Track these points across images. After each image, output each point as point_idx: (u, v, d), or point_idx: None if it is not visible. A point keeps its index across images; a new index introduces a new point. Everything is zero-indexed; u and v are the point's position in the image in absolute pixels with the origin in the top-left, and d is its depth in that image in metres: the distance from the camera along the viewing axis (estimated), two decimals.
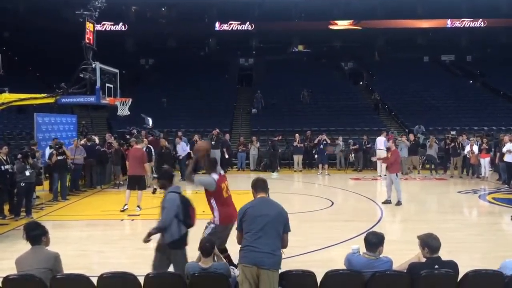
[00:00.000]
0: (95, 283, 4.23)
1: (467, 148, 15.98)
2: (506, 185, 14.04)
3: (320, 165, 17.90)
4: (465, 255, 6.74)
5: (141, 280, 4.26)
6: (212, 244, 4.55)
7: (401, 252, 5.77)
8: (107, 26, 35.47)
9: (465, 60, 37.67)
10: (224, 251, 5.66)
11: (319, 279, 4.25)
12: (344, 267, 4.40)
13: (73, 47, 15.20)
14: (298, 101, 28.42)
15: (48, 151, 12.59)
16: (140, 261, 6.79)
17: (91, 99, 11.60)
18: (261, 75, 34.05)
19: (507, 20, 35.71)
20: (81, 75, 11.32)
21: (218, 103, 28.34)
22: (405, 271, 4.31)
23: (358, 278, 4.19)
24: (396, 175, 11.14)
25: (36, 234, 4.36)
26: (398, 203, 11.02)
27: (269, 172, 17.94)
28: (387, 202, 11.23)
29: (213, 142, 17.79)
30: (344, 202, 12.55)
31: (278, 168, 18.52)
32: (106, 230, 9.05)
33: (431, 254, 4.24)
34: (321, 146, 17.79)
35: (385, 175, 13.04)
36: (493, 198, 12.32)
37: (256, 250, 4.11)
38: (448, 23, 36.90)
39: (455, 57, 38.45)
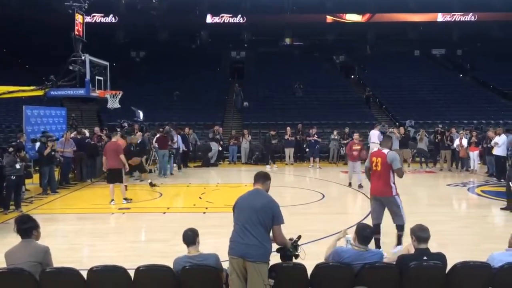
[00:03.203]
0: (85, 276, 4.21)
1: (457, 142, 16.11)
2: (495, 178, 14.19)
3: (311, 158, 17.98)
4: (454, 247, 6.81)
5: (132, 273, 4.26)
6: (195, 232, 4.51)
7: (391, 245, 5.83)
8: (97, 18, 35.14)
9: (455, 54, 37.87)
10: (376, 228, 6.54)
11: (309, 272, 4.28)
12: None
13: (63, 39, 15.02)
14: (290, 94, 28.42)
15: (37, 144, 12.47)
16: (130, 254, 6.80)
17: (81, 91, 11.55)
18: (253, 68, 33.99)
19: (498, 14, 35.92)
20: (71, 68, 11.26)
21: (210, 96, 28.26)
22: (394, 263, 4.37)
23: (348, 270, 4.22)
24: (360, 162, 12.95)
25: (28, 228, 4.34)
26: (360, 186, 12.62)
27: (261, 165, 17.94)
28: (350, 185, 13.07)
29: (210, 135, 19.12)
30: (335, 195, 12.61)
31: (271, 161, 18.39)
32: (97, 224, 9.02)
33: (418, 244, 4.33)
34: (311, 139, 17.90)
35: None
36: (482, 191, 12.45)
37: (242, 242, 4.10)
38: (439, 17, 37.01)
39: (445, 51, 38.61)
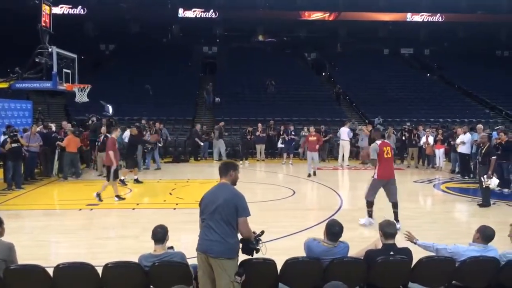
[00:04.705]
0: (52, 274, 4.12)
1: (423, 139, 16.51)
2: (459, 175, 14.62)
3: (284, 155, 18.08)
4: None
5: (100, 270, 4.20)
6: (165, 230, 4.47)
7: (360, 240, 5.95)
8: (65, 9, 34.20)
9: (423, 54, 38.77)
10: (370, 204, 8.29)
11: (279, 267, 4.31)
12: (304, 254, 4.49)
13: (30, 30, 14.55)
14: (262, 90, 28.46)
15: (2, 138, 12.10)
16: (98, 251, 6.70)
17: (48, 84, 11.23)
18: (225, 64, 33.85)
19: (464, 16, 37.00)
20: (37, 60, 10.92)
21: (181, 91, 27.96)
22: (362, 257, 4.46)
23: (317, 265, 4.29)
24: (318, 153, 14.87)
25: None
26: (314, 174, 14.34)
27: (234, 160, 17.92)
28: (310, 175, 14.28)
29: (217, 133, 18.58)
30: (306, 191, 12.72)
31: (243, 158, 18.32)
32: (64, 220, 8.83)
33: (385, 240, 4.46)
34: (289, 136, 18.04)
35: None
36: (447, 188, 12.81)
37: (206, 238, 4.08)
38: (408, 16, 37.79)
39: (413, 51, 39.50)
